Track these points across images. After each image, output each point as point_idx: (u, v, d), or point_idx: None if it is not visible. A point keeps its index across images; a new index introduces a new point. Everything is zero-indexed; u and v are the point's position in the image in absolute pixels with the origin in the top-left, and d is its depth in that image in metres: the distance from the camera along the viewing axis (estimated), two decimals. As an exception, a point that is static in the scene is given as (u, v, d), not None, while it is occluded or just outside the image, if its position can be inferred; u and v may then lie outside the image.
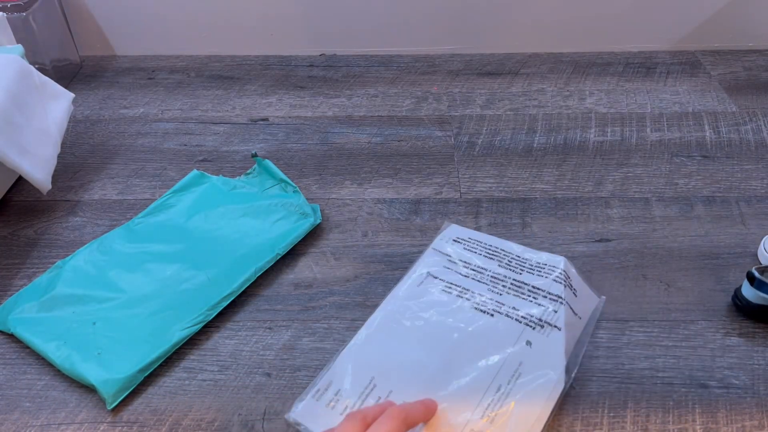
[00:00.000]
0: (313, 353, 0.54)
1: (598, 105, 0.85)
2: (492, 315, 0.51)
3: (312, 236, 0.65)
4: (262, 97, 0.88)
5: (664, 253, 0.63)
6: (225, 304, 0.56)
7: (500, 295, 0.53)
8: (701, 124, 0.81)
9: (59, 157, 0.69)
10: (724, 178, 0.72)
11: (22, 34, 0.80)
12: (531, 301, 0.52)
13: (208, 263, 0.59)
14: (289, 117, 0.84)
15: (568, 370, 0.48)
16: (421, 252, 0.58)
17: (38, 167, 0.65)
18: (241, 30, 0.95)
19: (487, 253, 0.57)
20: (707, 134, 0.79)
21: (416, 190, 0.71)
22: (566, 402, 0.50)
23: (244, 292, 0.58)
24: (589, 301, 0.55)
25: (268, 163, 0.70)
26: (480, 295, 0.53)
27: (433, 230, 0.65)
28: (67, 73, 0.91)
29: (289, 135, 0.80)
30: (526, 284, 0.54)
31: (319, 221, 0.65)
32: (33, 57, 0.83)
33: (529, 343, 0.49)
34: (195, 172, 0.70)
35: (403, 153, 0.77)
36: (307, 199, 0.67)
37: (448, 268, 0.56)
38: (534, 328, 0.50)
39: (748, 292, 0.55)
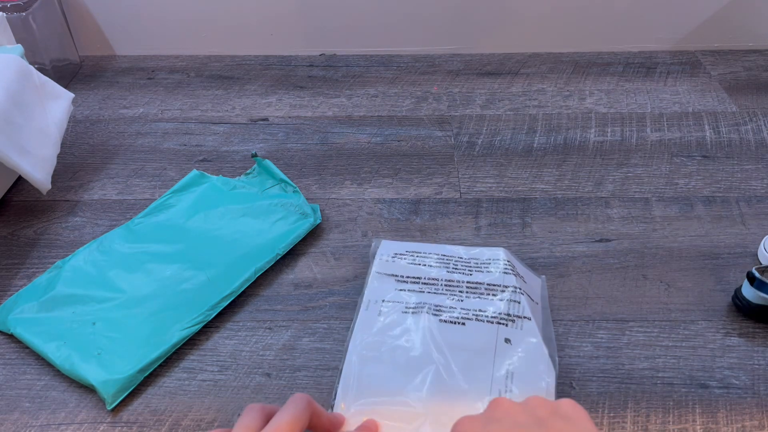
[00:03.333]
0: (313, 353, 0.54)
1: (598, 105, 0.85)
2: (463, 324, 0.51)
3: (312, 236, 0.65)
4: (262, 97, 0.88)
5: (664, 253, 0.63)
6: (225, 304, 0.56)
7: (461, 301, 0.52)
8: (701, 124, 0.81)
9: (59, 157, 0.69)
10: (724, 178, 0.72)
11: (22, 34, 0.80)
12: (492, 299, 0.52)
13: (207, 263, 0.59)
14: (289, 117, 0.84)
15: (551, 357, 0.49)
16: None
17: (38, 167, 0.65)
18: (241, 30, 0.95)
19: (433, 262, 0.56)
20: (707, 134, 0.79)
21: (416, 190, 0.71)
22: (566, 402, 0.50)
23: (244, 292, 0.58)
24: (534, 284, 0.56)
25: (268, 163, 0.70)
26: (442, 306, 0.52)
27: (433, 230, 0.65)
28: (66, 73, 0.91)
29: (289, 135, 0.80)
30: (480, 284, 0.53)
31: (319, 221, 0.65)
32: (33, 57, 0.83)
33: (507, 340, 0.49)
34: (195, 172, 0.70)
35: (403, 153, 0.77)
36: (307, 199, 0.67)
37: (401, 289, 0.54)
38: (507, 325, 0.50)
39: (748, 292, 0.55)
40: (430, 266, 0.56)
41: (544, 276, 0.58)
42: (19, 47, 0.71)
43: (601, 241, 0.64)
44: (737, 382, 0.51)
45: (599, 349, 0.54)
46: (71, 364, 0.51)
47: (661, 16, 0.93)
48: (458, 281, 0.54)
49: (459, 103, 0.86)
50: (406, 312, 0.52)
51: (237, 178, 0.71)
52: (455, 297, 0.53)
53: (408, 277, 0.55)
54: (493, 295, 0.53)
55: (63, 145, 0.71)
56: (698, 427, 0.48)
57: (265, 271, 0.60)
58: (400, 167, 0.74)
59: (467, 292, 0.53)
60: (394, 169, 0.74)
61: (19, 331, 0.54)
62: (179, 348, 0.54)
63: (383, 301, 0.53)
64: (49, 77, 0.71)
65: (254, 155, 0.71)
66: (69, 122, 0.73)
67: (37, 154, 0.65)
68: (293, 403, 0.37)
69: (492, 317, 0.51)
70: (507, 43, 0.96)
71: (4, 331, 0.55)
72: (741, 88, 0.88)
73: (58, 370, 0.52)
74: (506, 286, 0.53)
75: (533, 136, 0.79)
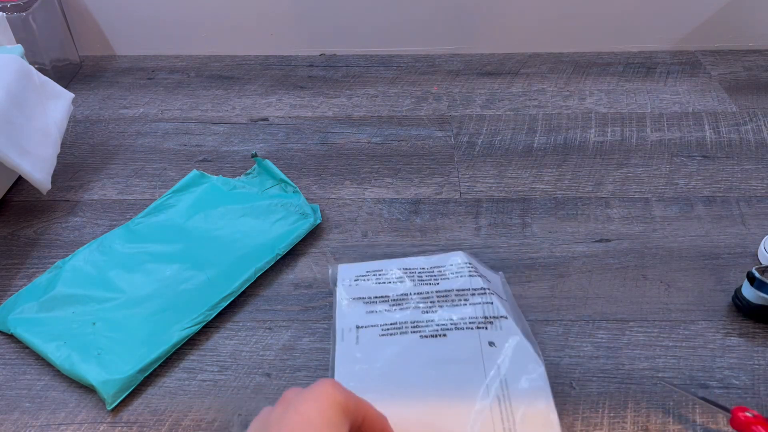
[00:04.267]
0: (313, 353, 0.54)
1: (598, 105, 0.85)
2: (444, 335, 0.50)
3: (312, 236, 0.65)
4: (262, 97, 0.88)
5: (664, 253, 0.63)
6: (225, 304, 0.56)
7: (436, 312, 0.51)
8: (701, 124, 0.81)
9: (59, 157, 0.69)
10: (724, 178, 0.72)
11: (22, 34, 0.80)
12: (465, 305, 0.51)
13: (207, 263, 0.59)
14: (289, 117, 0.84)
15: (536, 351, 0.49)
16: (424, 251, 0.58)
17: (38, 167, 0.65)
18: (241, 30, 0.95)
19: (396, 278, 0.55)
20: (707, 134, 0.79)
21: (416, 190, 0.71)
22: (566, 402, 0.50)
23: (244, 292, 0.58)
24: (496, 281, 0.56)
25: (268, 163, 0.70)
26: (419, 322, 0.51)
27: (433, 230, 0.65)
28: (66, 73, 0.91)
29: (289, 135, 0.80)
30: (449, 291, 0.53)
31: (319, 221, 0.65)
32: (33, 57, 0.83)
33: (491, 344, 0.49)
34: (195, 172, 0.70)
35: (403, 153, 0.77)
36: (307, 199, 0.67)
37: (372, 311, 0.52)
38: (487, 328, 0.50)
39: (748, 292, 0.55)
40: (396, 282, 0.54)
41: (501, 272, 0.58)
42: (19, 47, 0.71)
43: (601, 241, 0.64)
44: (737, 382, 0.51)
45: (599, 349, 0.54)
46: (71, 364, 0.51)
47: (661, 16, 0.94)
48: (428, 292, 0.53)
49: (459, 103, 0.86)
50: (384, 335, 0.50)
51: (237, 178, 0.71)
52: (429, 309, 0.52)
53: (376, 297, 0.53)
54: (465, 300, 0.52)
55: (63, 145, 0.71)
56: (698, 427, 0.48)
57: (265, 271, 0.60)
58: (400, 167, 0.74)
59: (439, 302, 0.52)
60: (394, 169, 0.74)
61: (19, 331, 0.54)
62: (179, 348, 0.54)
63: (357, 327, 0.51)
64: (49, 77, 0.71)
65: (254, 155, 0.71)
66: (69, 122, 0.73)
67: (37, 154, 0.65)
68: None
69: (470, 322, 0.50)
70: (507, 43, 0.96)
71: (4, 331, 0.55)
72: (741, 88, 0.88)
73: (58, 370, 0.52)
74: (475, 289, 0.53)
75: (533, 136, 0.79)
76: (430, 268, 0.55)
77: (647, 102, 0.85)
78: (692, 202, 0.69)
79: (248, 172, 0.72)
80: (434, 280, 0.54)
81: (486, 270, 0.57)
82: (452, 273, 0.55)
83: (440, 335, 0.50)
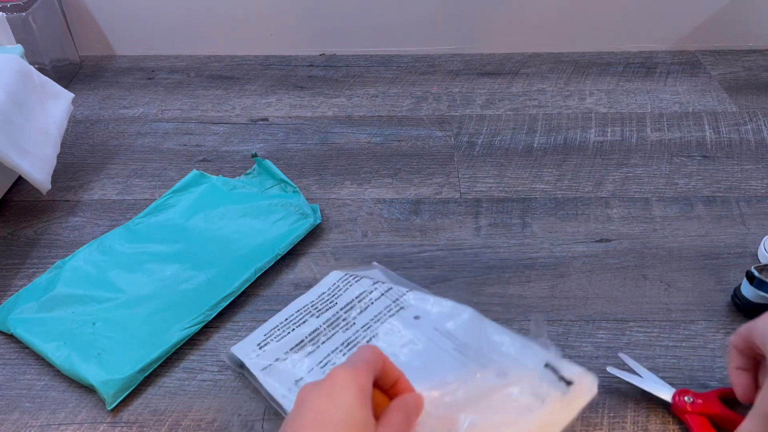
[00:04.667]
0: (313, 353, 0.54)
1: (598, 105, 0.85)
2: (376, 335, 0.51)
3: (312, 236, 0.65)
4: (262, 97, 0.88)
5: (664, 253, 0.63)
6: (225, 304, 0.56)
7: (354, 324, 0.52)
8: (701, 124, 0.81)
9: (59, 157, 0.69)
10: (724, 178, 0.72)
11: (22, 34, 0.80)
12: (372, 303, 0.53)
13: (207, 263, 0.59)
14: (289, 117, 0.84)
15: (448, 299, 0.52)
16: (424, 251, 0.58)
17: (38, 167, 0.65)
18: (241, 30, 0.95)
19: (299, 320, 0.53)
20: (707, 134, 0.79)
21: (416, 190, 0.71)
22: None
23: (244, 292, 0.58)
24: (374, 272, 0.58)
25: (268, 163, 0.70)
26: (348, 339, 0.51)
27: (433, 230, 0.65)
28: (66, 73, 0.91)
29: (289, 135, 0.80)
30: (350, 302, 0.54)
31: (318, 221, 0.65)
32: (33, 57, 0.83)
33: (416, 317, 0.52)
34: (195, 172, 0.70)
35: (403, 153, 0.77)
36: (307, 199, 0.67)
37: (299, 361, 0.50)
38: (403, 307, 0.53)
39: (748, 291, 0.55)
40: (300, 324, 0.53)
41: (374, 262, 0.60)
42: (19, 47, 0.71)
43: (601, 241, 0.64)
44: (737, 382, 0.51)
45: (599, 349, 0.54)
46: (71, 364, 0.51)
47: (661, 16, 0.93)
48: (334, 314, 0.53)
49: (459, 103, 0.86)
50: (326, 367, 0.49)
51: (237, 178, 0.71)
52: (347, 326, 0.52)
53: (291, 349, 0.51)
54: (369, 301, 0.54)
55: (63, 145, 0.71)
56: (698, 427, 0.48)
57: (265, 271, 0.60)
58: (400, 167, 0.74)
59: (350, 315, 0.53)
60: (394, 169, 0.74)
61: (19, 332, 0.54)
62: (179, 348, 0.54)
63: (296, 382, 0.48)
64: (49, 77, 0.71)
65: (254, 155, 0.71)
66: (69, 122, 0.73)
67: (37, 154, 0.65)
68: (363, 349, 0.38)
69: (387, 312, 0.52)
70: (507, 43, 0.96)
71: (4, 331, 0.55)
72: (741, 88, 0.88)
73: (58, 370, 0.52)
74: (369, 292, 0.54)
75: (533, 136, 0.79)
76: (318, 297, 0.55)
77: (647, 102, 0.85)
78: (692, 202, 0.69)
79: (248, 172, 0.72)
80: (330, 302, 0.55)
81: (363, 271, 0.58)
82: (339, 289, 0.56)
83: (373, 336, 0.51)
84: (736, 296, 0.56)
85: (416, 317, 0.52)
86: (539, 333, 0.45)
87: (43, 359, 0.53)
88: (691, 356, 0.53)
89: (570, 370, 0.43)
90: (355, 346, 0.50)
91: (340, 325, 0.52)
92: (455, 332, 0.50)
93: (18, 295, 0.57)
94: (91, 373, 0.50)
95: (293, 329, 0.52)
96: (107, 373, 0.50)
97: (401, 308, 0.53)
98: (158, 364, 0.52)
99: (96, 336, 0.53)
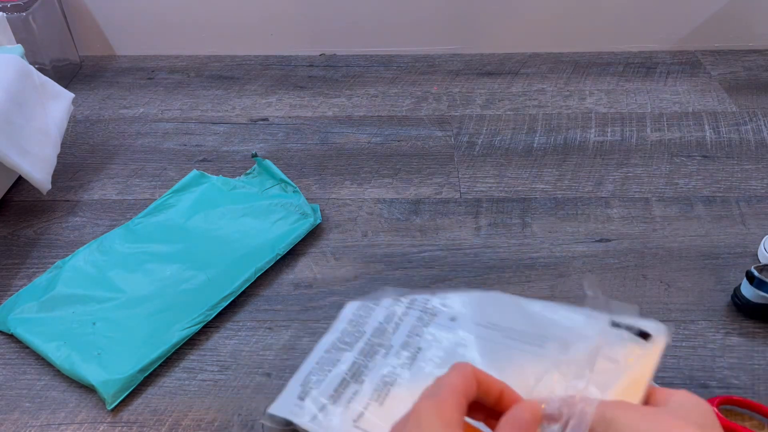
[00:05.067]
0: (313, 353, 0.54)
1: (598, 105, 0.85)
2: (420, 348, 0.48)
3: (312, 236, 0.65)
4: (262, 97, 0.88)
5: (664, 253, 0.63)
6: (225, 304, 0.56)
7: (392, 346, 0.49)
8: (701, 124, 0.81)
9: (59, 157, 0.69)
10: (724, 178, 0.72)
11: (22, 34, 0.80)
12: (400, 322, 0.50)
13: (208, 263, 0.59)
14: (289, 117, 0.84)
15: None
16: (423, 251, 0.58)
17: (38, 167, 0.65)
18: (241, 30, 0.95)
19: (333, 361, 0.50)
20: (707, 134, 0.79)
21: (416, 190, 0.71)
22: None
23: (244, 292, 0.58)
24: (387, 293, 0.54)
25: (268, 163, 0.70)
26: (391, 361, 0.48)
27: (433, 230, 0.65)
28: (67, 73, 0.91)
29: (289, 135, 0.80)
30: (378, 326, 0.50)
31: (319, 221, 0.65)
32: (33, 57, 0.83)
33: (453, 318, 0.48)
34: (195, 172, 0.70)
35: (403, 153, 0.77)
36: (307, 199, 0.67)
37: (355, 393, 0.46)
38: (436, 314, 0.49)
39: (748, 291, 0.55)
40: (336, 363, 0.49)
41: (385, 287, 0.55)
42: (19, 47, 0.71)
43: (601, 241, 0.64)
44: (737, 382, 0.51)
45: (599, 349, 0.54)
46: (71, 364, 0.51)
47: (661, 16, 0.94)
48: (367, 344, 0.50)
49: (459, 103, 0.86)
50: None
51: (237, 178, 0.71)
52: (386, 351, 0.49)
53: (334, 390, 0.47)
54: (399, 319, 0.50)
55: (63, 145, 0.71)
56: (698, 427, 0.48)
57: (265, 271, 0.60)
58: (400, 167, 0.74)
59: (385, 338, 0.49)
60: (394, 169, 0.74)
61: (20, 331, 0.54)
62: (179, 348, 0.54)
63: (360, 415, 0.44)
64: (49, 77, 0.71)
65: (254, 155, 0.71)
66: (69, 122, 0.73)
67: (37, 154, 0.65)
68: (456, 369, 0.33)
69: (421, 325, 0.49)
70: (507, 43, 0.96)
71: (4, 331, 0.55)
72: (741, 88, 0.88)
73: (58, 370, 0.52)
74: (394, 310, 0.51)
75: (533, 136, 0.79)
76: (342, 332, 0.52)
77: (647, 102, 0.85)
78: (692, 202, 0.69)
79: (248, 172, 0.72)
80: (358, 332, 0.51)
81: (378, 293, 0.54)
82: (362, 317, 0.52)
83: (418, 351, 0.47)
84: (736, 296, 0.56)
85: (452, 319, 0.48)
86: (596, 294, 0.42)
87: (43, 359, 0.53)
88: (691, 356, 0.53)
89: (641, 323, 0.41)
90: (401, 368, 0.47)
91: (379, 352, 0.49)
92: (498, 321, 0.46)
93: (18, 295, 0.57)
94: (91, 373, 0.50)
95: (330, 370, 0.48)
96: (107, 373, 0.50)
97: (434, 315, 0.49)
98: (158, 364, 0.52)
99: (96, 336, 0.53)
